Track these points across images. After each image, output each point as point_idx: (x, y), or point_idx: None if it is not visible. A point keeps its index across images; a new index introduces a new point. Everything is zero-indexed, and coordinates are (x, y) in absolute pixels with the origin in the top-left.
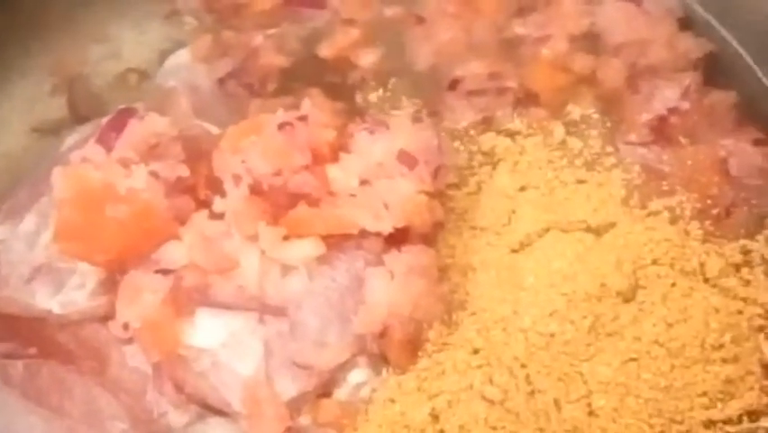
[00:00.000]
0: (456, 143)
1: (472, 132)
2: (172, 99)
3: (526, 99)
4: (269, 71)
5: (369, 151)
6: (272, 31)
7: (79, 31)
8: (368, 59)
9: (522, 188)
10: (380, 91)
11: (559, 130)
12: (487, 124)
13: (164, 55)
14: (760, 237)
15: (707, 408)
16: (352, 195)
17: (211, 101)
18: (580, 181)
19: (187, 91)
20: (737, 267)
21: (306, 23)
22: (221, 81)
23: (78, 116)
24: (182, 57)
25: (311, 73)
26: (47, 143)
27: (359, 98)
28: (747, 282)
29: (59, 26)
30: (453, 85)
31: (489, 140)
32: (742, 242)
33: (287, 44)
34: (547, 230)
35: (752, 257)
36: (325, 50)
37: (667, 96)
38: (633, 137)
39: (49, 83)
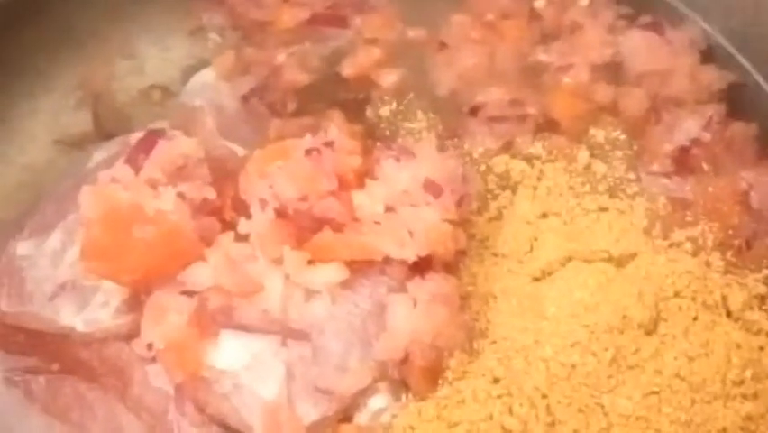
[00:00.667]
0: (477, 168)
1: (494, 158)
2: (197, 119)
3: (547, 126)
4: (290, 89)
5: (394, 178)
6: (295, 48)
7: (105, 46)
8: (389, 79)
9: (543, 215)
10: (401, 114)
11: (583, 155)
12: (507, 150)
13: (187, 72)
14: None
15: None
16: (377, 222)
17: (236, 121)
18: (602, 209)
19: (213, 111)
20: (760, 300)
21: (328, 42)
22: (244, 99)
23: (102, 131)
24: (207, 76)
25: (332, 92)
26: (70, 157)
27: (377, 118)
28: (757, 322)
29: (85, 41)
30: (475, 111)
31: (509, 165)
32: (764, 273)
33: (309, 62)
34: (569, 259)
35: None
36: (347, 69)
37: (689, 127)
38: (655, 167)
39: (73, 97)
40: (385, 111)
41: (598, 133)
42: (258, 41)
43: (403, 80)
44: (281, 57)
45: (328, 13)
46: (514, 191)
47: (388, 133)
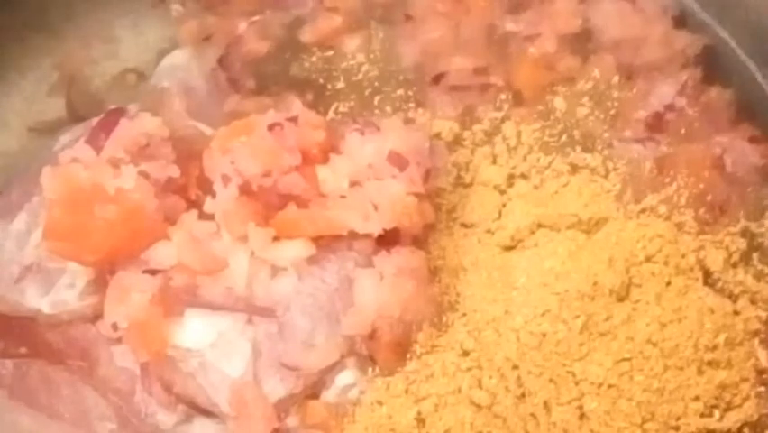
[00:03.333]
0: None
1: (457, 126)
2: (166, 100)
3: (510, 96)
4: (251, 60)
5: (359, 152)
6: (256, 18)
7: (79, 31)
8: (351, 44)
9: (511, 179)
10: (363, 84)
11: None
12: (469, 118)
13: (162, 55)
14: (755, 233)
15: (702, 415)
16: (342, 196)
17: (204, 101)
18: (572, 173)
19: (182, 92)
20: (733, 264)
21: (289, 11)
22: (211, 76)
23: (76, 117)
24: (177, 57)
25: (292, 65)
26: (43, 143)
27: (338, 92)
28: (741, 282)
29: (59, 26)
30: (437, 80)
31: (475, 132)
32: (737, 239)
33: (270, 30)
34: (539, 225)
35: (747, 253)
36: (307, 36)
37: (663, 92)
38: (628, 133)
39: (47, 83)
40: (347, 83)
41: (561, 106)
42: (220, 11)
43: (365, 49)
44: (242, 26)
45: None
46: (481, 160)
47: (351, 105)
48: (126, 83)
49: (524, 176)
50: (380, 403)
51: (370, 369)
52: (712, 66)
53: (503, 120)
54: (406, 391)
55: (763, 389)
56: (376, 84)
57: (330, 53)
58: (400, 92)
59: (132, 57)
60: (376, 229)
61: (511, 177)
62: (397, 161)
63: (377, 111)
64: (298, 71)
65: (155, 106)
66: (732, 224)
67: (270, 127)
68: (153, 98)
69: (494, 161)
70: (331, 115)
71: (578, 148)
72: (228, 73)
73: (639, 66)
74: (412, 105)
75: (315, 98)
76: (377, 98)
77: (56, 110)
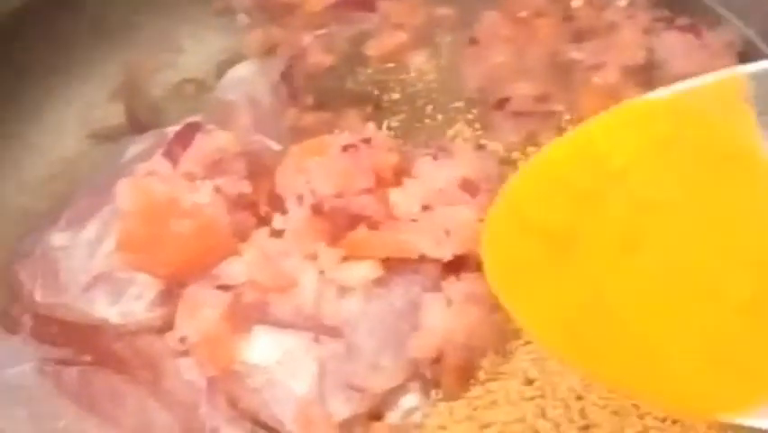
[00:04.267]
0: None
1: (519, 153)
2: (232, 113)
3: (573, 124)
4: (314, 74)
5: (431, 176)
6: (321, 31)
7: (140, 39)
8: (416, 60)
9: None
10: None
11: None
12: (531, 144)
13: (222, 66)
14: None
15: None
16: (414, 220)
17: (270, 116)
18: None
19: (248, 106)
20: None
21: (354, 25)
22: (276, 90)
23: (136, 125)
24: (242, 70)
25: (356, 82)
26: (104, 150)
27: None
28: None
29: (120, 34)
30: (500, 105)
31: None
32: None
33: (334, 44)
34: None
35: None
36: (371, 50)
37: None
38: None
39: (107, 90)
40: (407, 101)
41: None
42: (285, 22)
43: (429, 68)
44: (308, 38)
45: None
46: None
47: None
48: (185, 93)
49: None
50: (443, 428)
51: (433, 393)
52: None
53: None
54: (470, 418)
55: None
56: (438, 104)
57: (393, 69)
58: (466, 116)
59: (193, 67)
60: (447, 254)
61: None
62: (469, 187)
63: (438, 132)
64: (359, 86)
65: (221, 119)
66: None
67: (345, 148)
68: (219, 111)
69: None
70: (384, 130)
71: None
72: (290, 87)
73: None
74: (480, 130)
75: (373, 113)
76: (439, 117)
77: (116, 117)
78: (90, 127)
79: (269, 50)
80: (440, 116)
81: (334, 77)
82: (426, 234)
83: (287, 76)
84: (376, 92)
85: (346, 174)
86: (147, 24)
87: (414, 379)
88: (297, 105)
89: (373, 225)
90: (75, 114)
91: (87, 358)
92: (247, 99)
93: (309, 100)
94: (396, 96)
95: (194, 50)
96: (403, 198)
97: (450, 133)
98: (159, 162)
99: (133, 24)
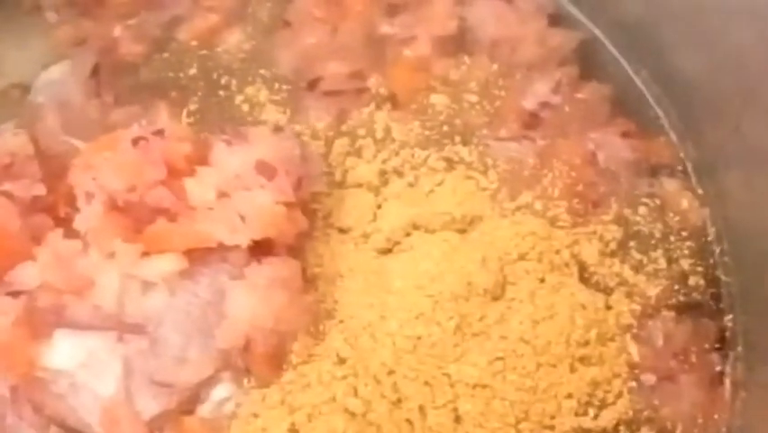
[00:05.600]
0: (318, 143)
1: (331, 132)
2: (40, 116)
3: (385, 99)
4: (126, 66)
5: (226, 163)
6: (132, 21)
7: None
8: (229, 40)
9: (384, 178)
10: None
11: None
12: (343, 122)
13: (45, 68)
14: (630, 220)
15: (576, 413)
16: (210, 208)
17: (79, 116)
18: (447, 169)
19: (57, 107)
20: (609, 254)
21: (166, 11)
22: (87, 88)
23: None
24: (54, 72)
25: (168, 69)
26: None
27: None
28: (617, 274)
29: None
30: (312, 85)
31: (348, 132)
32: (610, 227)
33: (146, 32)
34: (413, 226)
35: (623, 243)
36: (184, 35)
37: (538, 90)
38: (504, 132)
39: None
40: (224, 88)
41: (438, 104)
42: (95, 15)
43: (243, 47)
44: (118, 29)
45: None
46: (356, 159)
47: (225, 112)
48: (11, 98)
49: (398, 173)
50: (256, 416)
51: (245, 381)
52: (588, 63)
53: (375, 118)
54: (282, 402)
55: (635, 384)
56: (250, 89)
57: (204, 54)
58: (274, 97)
59: (16, 71)
60: (243, 241)
61: (384, 173)
62: (265, 170)
63: (249, 118)
64: (170, 74)
65: (31, 123)
66: (605, 213)
67: (135, 141)
68: (29, 115)
69: (365, 158)
70: (185, 118)
71: (454, 144)
72: (100, 83)
73: (516, 64)
74: (285, 111)
75: (183, 101)
76: (246, 105)
77: None
78: None
79: (79, 45)
80: (249, 101)
81: (145, 66)
82: (222, 221)
83: (96, 72)
84: (186, 80)
85: (136, 168)
86: None
87: (225, 369)
88: (106, 101)
89: (171, 217)
90: None
91: None
92: (56, 101)
93: (120, 94)
94: (205, 81)
95: (18, 55)
96: (198, 187)
97: (261, 117)
98: None
99: None
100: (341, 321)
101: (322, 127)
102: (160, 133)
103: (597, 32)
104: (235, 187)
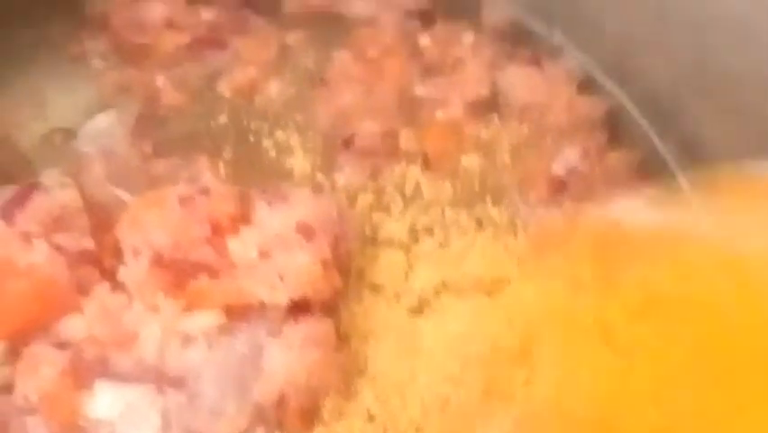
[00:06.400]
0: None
1: (362, 188)
2: (86, 166)
3: (416, 159)
4: (169, 115)
5: (268, 222)
6: (175, 70)
7: (9, 91)
8: (268, 93)
9: (415, 237)
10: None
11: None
12: (375, 179)
13: (90, 115)
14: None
15: None
16: (252, 267)
17: (124, 167)
18: (477, 231)
19: (102, 157)
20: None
21: (206, 63)
22: (132, 139)
23: (3, 177)
24: (101, 120)
25: (209, 125)
26: None
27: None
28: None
29: None
30: (347, 143)
31: (380, 190)
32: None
33: (188, 83)
34: (444, 286)
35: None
36: (224, 86)
37: (568, 156)
38: (532, 196)
39: None
40: (259, 140)
41: (469, 167)
42: (139, 64)
43: (279, 101)
44: (161, 78)
45: (208, 36)
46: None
47: (265, 167)
48: (54, 143)
49: (428, 231)
50: None
51: None
52: (614, 130)
53: (407, 177)
54: None
55: None
56: (284, 141)
57: (244, 106)
58: (308, 152)
59: (61, 116)
60: (282, 299)
61: (414, 231)
62: (305, 230)
63: (282, 170)
64: (211, 126)
65: (76, 172)
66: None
67: (182, 200)
68: (75, 164)
69: (394, 215)
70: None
71: (484, 203)
72: (144, 135)
73: (545, 129)
74: (319, 166)
75: (219, 152)
76: (281, 157)
77: None
78: None
79: (123, 92)
80: (283, 153)
81: (182, 117)
82: (262, 280)
83: (141, 122)
84: (220, 131)
85: (183, 225)
86: (14, 78)
87: (259, 423)
88: (149, 153)
89: (214, 274)
90: None
91: None
92: (101, 151)
93: (158, 144)
94: (240, 133)
95: (63, 99)
96: (240, 246)
97: (295, 173)
98: None
99: (0, 79)
100: (372, 379)
101: (354, 183)
102: (205, 192)
103: (624, 99)
104: (276, 246)
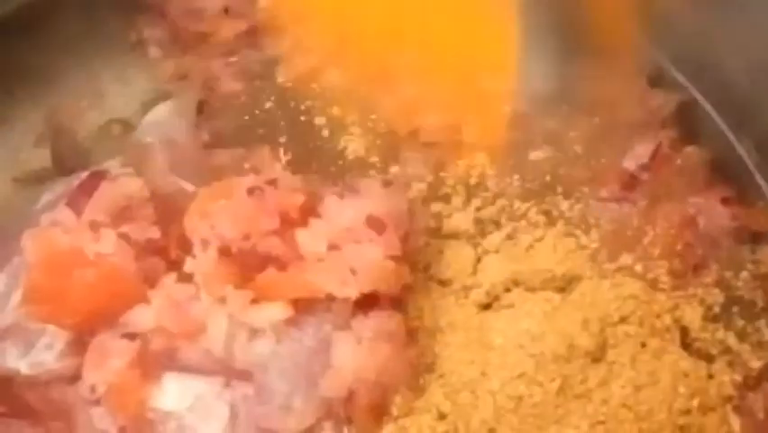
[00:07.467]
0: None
1: (427, 181)
2: (148, 156)
3: (481, 152)
4: (227, 107)
5: (338, 215)
6: (233, 59)
7: (66, 82)
8: (329, 82)
9: (481, 229)
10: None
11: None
12: (439, 172)
13: (147, 105)
14: (727, 294)
15: None
16: (321, 259)
17: (186, 157)
18: (547, 225)
19: (164, 147)
20: (712, 318)
21: (266, 51)
22: (193, 129)
23: (62, 168)
24: (161, 111)
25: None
26: (28, 194)
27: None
28: (720, 341)
29: (45, 78)
30: (411, 136)
31: (445, 183)
32: (711, 296)
33: (247, 70)
34: (514, 282)
35: (726, 307)
36: (283, 76)
37: (639, 152)
38: (603, 192)
39: (33, 134)
40: (320, 130)
41: (538, 159)
42: (197, 52)
43: (340, 91)
44: (218, 66)
45: (266, 23)
46: (452, 213)
47: (325, 157)
48: (111, 134)
49: (495, 223)
50: None
51: (346, 431)
52: (687, 126)
53: (471, 172)
54: None
55: None
56: (345, 133)
57: (302, 95)
58: (371, 144)
59: (117, 107)
60: (353, 293)
61: (480, 223)
62: (376, 224)
63: (344, 162)
64: (271, 115)
65: (138, 163)
66: (706, 276)
67: (250, 191)
68: (137, 154)
69: (457, 205)
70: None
71: (555, 195)
72: (203, 122)
73: (616, 124)
74: (383, 158)
75: (279, 142)
76: (342, 149)
77: (41, 161)
78: (16, 171)
79: (180, 80)
80: (345, 145)
81: (242, 105)
82: (332, 273)
83: (200, 111)
84: (281, 120)
85: (251, 217)
86: (73, 68)
87: (327, 418)
88: (206, 141)
89: (281, 267)
90: (1, 158)
91: (1, 409)
92: (163, 141)
93: (218, 133)
94: (301, 123)
95: (120, 91)
96: (309, 239)
97: (356, 165)
98: (62, 212)
99: (59, 69)
100: (441, 376)
101: (419, 176)
102: (273, 182)
103: (697, 95)
104: (346, 239)
